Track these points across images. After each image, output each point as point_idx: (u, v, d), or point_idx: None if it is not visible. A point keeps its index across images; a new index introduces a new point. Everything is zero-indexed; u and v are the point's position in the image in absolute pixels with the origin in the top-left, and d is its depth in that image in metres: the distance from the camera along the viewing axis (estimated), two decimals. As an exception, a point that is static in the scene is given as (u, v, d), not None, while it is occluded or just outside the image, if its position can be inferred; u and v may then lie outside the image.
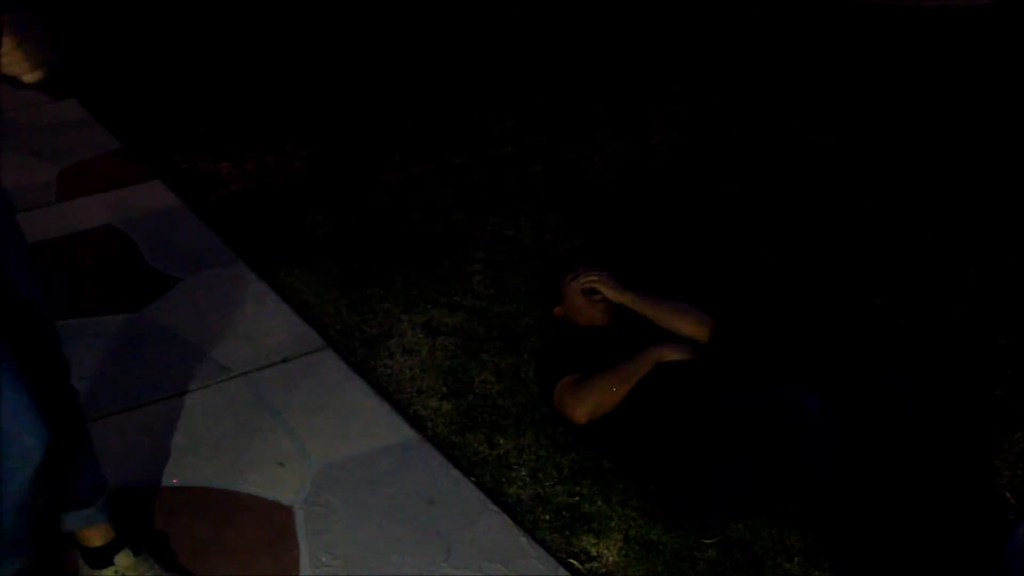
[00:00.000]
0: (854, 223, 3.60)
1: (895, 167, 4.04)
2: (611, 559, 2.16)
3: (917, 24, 5.84)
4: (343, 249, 3.46)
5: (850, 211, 3.69)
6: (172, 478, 2.38)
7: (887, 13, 6.05)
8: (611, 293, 2.65)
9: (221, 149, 4.38)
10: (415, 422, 2.58)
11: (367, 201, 3.85)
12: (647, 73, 5.22)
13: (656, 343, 2.42)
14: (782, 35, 5.79)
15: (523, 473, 2.42)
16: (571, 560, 2.16)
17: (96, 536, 2.04)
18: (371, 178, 4.07)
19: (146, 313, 3.08)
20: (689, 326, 2.58)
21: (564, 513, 2.28)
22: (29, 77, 1.53)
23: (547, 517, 2.27)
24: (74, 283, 3.28)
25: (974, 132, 4.35)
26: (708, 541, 2.19)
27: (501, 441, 2.52)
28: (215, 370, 2.78)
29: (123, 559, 2.05)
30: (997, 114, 4.52)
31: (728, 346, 2.61)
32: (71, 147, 4.41)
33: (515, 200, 3.85)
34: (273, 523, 2.24)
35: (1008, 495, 2.31)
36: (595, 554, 2.17)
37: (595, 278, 2.68)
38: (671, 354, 2.36)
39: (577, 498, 2.33)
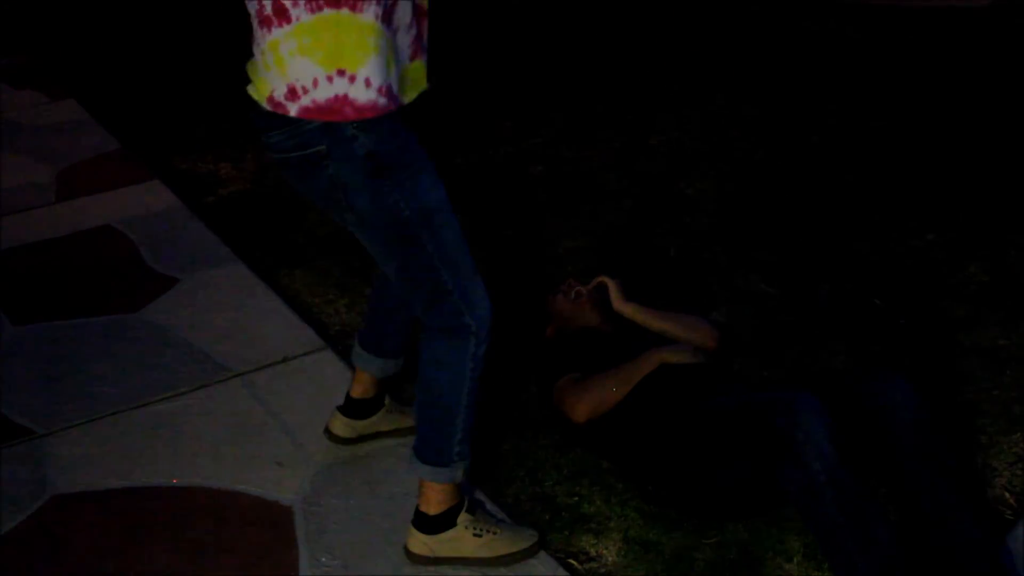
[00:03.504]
0: (854, 223, 3.60)
1: (895, 167, 4.04)
2: (610, 559, 2.16)
3: (917, 24, 5.84)
4: (343, 249, 3.45)
5: (850, 211, 3.69)
6: (172, 478, 2.38)
7: (887, 13, 6.05)
8: (616, 300, 2.63)
9: (220, 149, 4.38)
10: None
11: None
12: (647, 73, 5.22)
13: (658, 346, 2.42)
14: (782, 35, 5.79)
15: (522, 473, 2.42)
16: (570, 560, 2.16)
17: (372, 388, 2.42)
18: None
19: (146, 313, 3.08)
20: (698, 340, 2.56)
21: (563, 513, 2.28)
22: None
23: (546, 517, 2.27)
24: (74, 283, 3.28)
25: (974, 132, 4.35)
26: (707, 541, 2.19)
27: (501, 441, 2.52)
28: (214, 370, 2.78)
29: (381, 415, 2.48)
30: (997, 114, 4.52)
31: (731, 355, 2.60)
32: (70, 147, 4.41)
33: (515, 200, 3.85)
34: (273, 523, 2.24)
35: (1008, 495, 2.31)
36: (594, 554, 2.17)
37: (606, 279, 2.66)
38: (673, 357, 2.36)
39: (576, 498, 2.32)
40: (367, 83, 1.74)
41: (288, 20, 1.72)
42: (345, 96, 1.73)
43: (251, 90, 1.86)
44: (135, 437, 2.53)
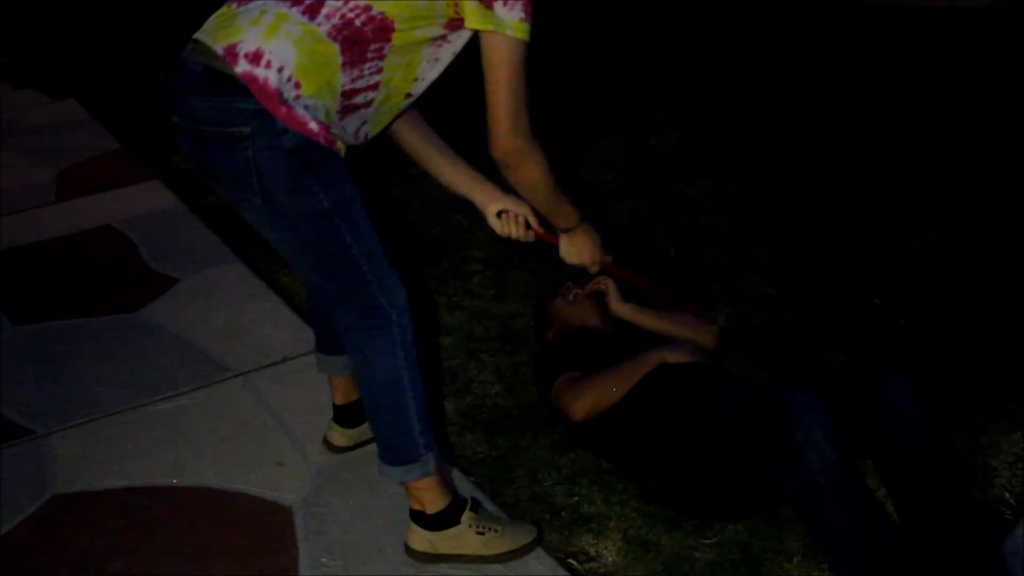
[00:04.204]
0: (854, 223, 3.60)
1: (895, 167, 4.04)
2: (610, 559, 2.16)
3: (917, 24, 5.84)
4: (343, 249, 3.46)
5: (850, 211, 3.69)
6: (172, 478, 2.38)
7: (887, 13, 6.05)
8: (614, 301, 2.65)
9: (221, 149, 4.37)
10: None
11: (366, 201, 3.85)
12: (647, 73, 5.22)
13: (658, 345, 2.42)
14: (782, 35, 5.79)
15: (522, 473, 2.42)
16: (570, 560, 2.16)
17: (352, 391, 2.37)
18: (370, 178, 4.06)
19: (146, 313, 3.08)
20: (697, 340, 2.57)
21: (563, 513, 2.28)
22: None
23: (546, 517, 2.27)
24: (74, 283, 3.28)
25: (973, 132, 4.35)
26: (707, 541, 2.19)
27: (500, 441, 2.52)
28: (215, 370, 2.79)
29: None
30: (996, 114, 4.52)
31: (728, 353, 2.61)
32: (71, 147, 4.41)
33: (515, 200, 3.84)
34: (272, 523, 2.24)
35: (1007, 495, 2.31)
36: (594, 554, 2.17)
37: (603, 281, 2.68)
38: (673, 356, 2.36)
39: (576, 498, 2.33)
40: (306, 108, 1.77)
41: (312, 18, 1.76)
42: (287, 100, 1.74)
43: (203, 35, 1.82)
44: (135, 437, 2.53)
